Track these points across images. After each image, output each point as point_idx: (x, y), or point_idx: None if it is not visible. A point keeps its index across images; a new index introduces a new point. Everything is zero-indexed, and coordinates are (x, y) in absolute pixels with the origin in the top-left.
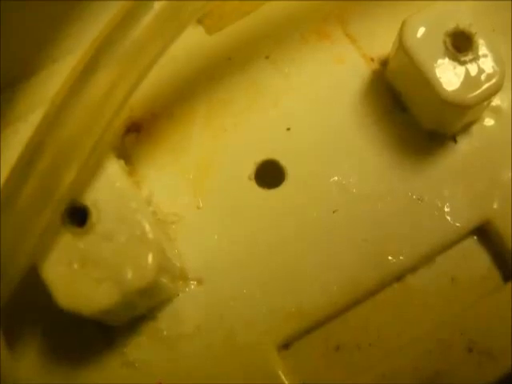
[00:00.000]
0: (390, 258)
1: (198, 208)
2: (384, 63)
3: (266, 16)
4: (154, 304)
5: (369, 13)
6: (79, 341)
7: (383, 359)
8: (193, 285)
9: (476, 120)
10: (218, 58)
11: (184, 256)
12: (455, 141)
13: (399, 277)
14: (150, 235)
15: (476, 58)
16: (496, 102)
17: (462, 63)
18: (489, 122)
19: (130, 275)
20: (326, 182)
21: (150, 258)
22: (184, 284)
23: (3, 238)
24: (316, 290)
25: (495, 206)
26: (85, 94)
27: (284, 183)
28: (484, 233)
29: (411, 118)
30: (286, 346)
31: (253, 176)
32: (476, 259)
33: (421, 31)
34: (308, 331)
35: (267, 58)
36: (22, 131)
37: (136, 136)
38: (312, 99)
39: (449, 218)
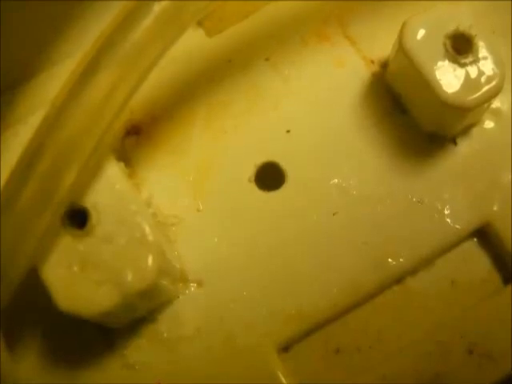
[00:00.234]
0: (390, 260)
1: (198, 210)
2: (384, 65)
3: (265, 18)
4: (154, 306)
5: (369, 15)
6: (79, 343)
7: (383, 362)
8: (193, 287)
9: (476, 122)
10: (218, 61)
11: (184, 258)
12: (455, 143)
13: (399, 279)
14: (150, 237)
15: (476, 61)
16: (496, 104)
17: (462, 65)
18: (489, 124)
19: (130, 277)
20: (325, 184)
21: (150, 260)
22: (184, 286)
23: (3, 239)
24: (316, 293)
25: (495, 209)
26: (85, 97)
27: (284, 185)
28: (484, 235)
29: (411, 120)
30: (285, 348)
31: (253, 178)
32: (476, 262)
33: (421, 33)
34: (308, 333)
35: (267, 60)
36: (22, 133)
37: (136, 138)
38: (312, 101)
39: (449, 220)
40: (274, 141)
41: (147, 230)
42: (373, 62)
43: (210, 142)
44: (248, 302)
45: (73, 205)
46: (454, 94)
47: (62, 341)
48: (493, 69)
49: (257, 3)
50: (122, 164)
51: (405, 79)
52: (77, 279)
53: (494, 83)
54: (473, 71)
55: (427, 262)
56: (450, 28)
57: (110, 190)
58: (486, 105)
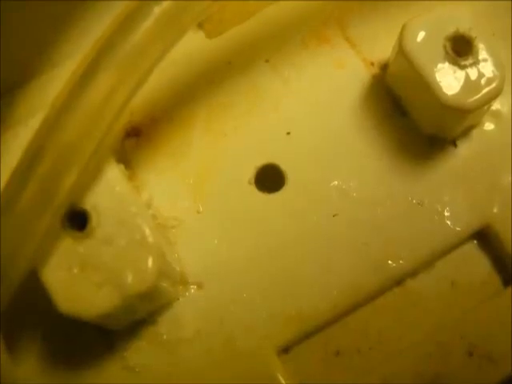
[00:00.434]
0: (390, 262)
1: (198, 212)
2: (384, 67)
3: (265, 20)
4: (154, 308)
5: (369, 17)
6: (79, 345)
7: (383, 363)
8: (193, 289)
9: (476, 124)
10: (218, 62)
11: (184, 260)
12: (455, 145)
13: (399, 281)
14: (150, 239)
15: (476, 63)
16: (496, 106)
17: (462, 67)
18: (489, 126)
19: (130, 279)
20: (326, 186)
21: (150, 262)
22: (184, 288)
23: (3, 241)
24: (316, 294)
25: (495, 211)
26: (85, 98)
27: (284, 187)
28: (484, 237)
29: (411, 122)
30: (285, 350)
31: (253, 180)
32: (476, 263)
33: (421, 35)
34: (308, 335)
35: (267, 61)
36: (22, 135)
37: (136, 140)
38: (312, 103)
39: (449, 222)
40: (274, 143)
41: (147, 232)
42: (373, 64)
43: (210, 144)
44: (248, 304)
45: (73, 207)
46: (454, 96)
47: (62, 343)
48: (493, 71)
49: (257, 5)
50: (121, 166)
51: (405, 81)
52: (77, 281)
53: (493, 85)
54: (473, 73)
55: (427, 263)
56: (450, 30)
57: (110, 192)
58: (485, 107)
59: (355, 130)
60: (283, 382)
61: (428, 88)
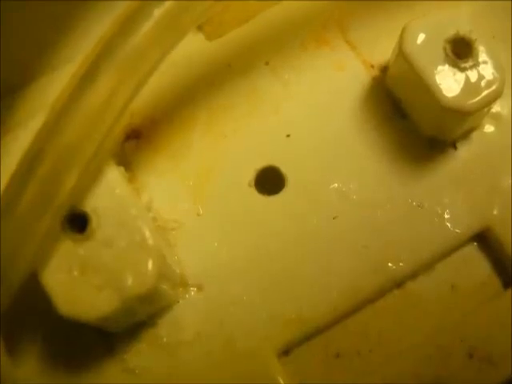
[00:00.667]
0: (390, 264)
1: (198, 214)
2: (384, 70)
3: (265, 23)
4: (154, 310)
5: (369, 19)
6: (79, 347)
7: (383, 365)
8: (193, 291)
9: (476, 127)
10: (218, 65)
11: (184, 262)
12: (455, 147)
13: (399, 283)
14: (150, 241)
15: (476, 65)
16: (496, 108)
17: (462, 70)
18: (489, 128)
19: (130, 281)
20: (325, 188)
21: (150, 265)
22: (184, 291)
23: (3, 243)
24: (316, 297)
25: (495, 213)
26: (85, 101)
27: (284, 190)
28: (484, 239)
29: (411, 124)
30: (285, 352)
31: (253, 183)
32: (476, 266)
33: (421, 37)
34: (308, 337)
35: (267, 64)
36: (22, 138)
37: (136, 142)
38: (312, 106)
39: (449, 224)
40: (274, 145)
41: (147, 234)
42: (373, 66)
43: (210, 146)
44: (248, 306)
45: (73, 209)
46: (454, 98)
47: (62, 345)
48: (493, 73)
49: (257, 8)
50: (122, 168)
51: (405, 83)
52: (77, 283)
53: (493, 87)
54: (473, 75)
55: (427, 266)
56: (450, 32)
57: (110, 195)
58: (485, 109)
59: (355, 132)
60: (283, 383)
61: (428, 90)
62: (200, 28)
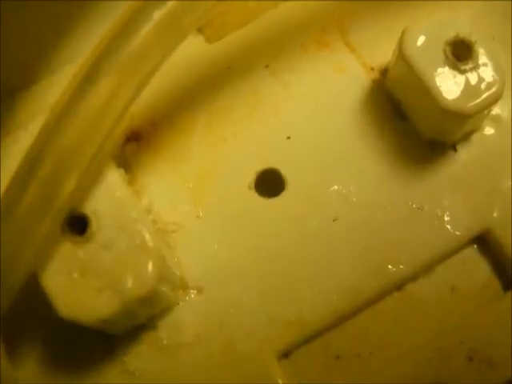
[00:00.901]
0: (390, 266)
1: (198, 217)
2: (384, 72)
3: (265, 25)
4: (154, 313)
5: (369, 22)
6: (79, 349)
7: (384, 368)
8: (193, 294)
9: (476, 129)
10: (218, 67)
11: (184, 265)
12: (455, 149)
13: (399, 285)
14: (150, 244)
15: (476, 67)
16: (496, 110)
17: (462, 72)
18: (489, 130)
19: (130, 284)
20: (326, 190)
21: (150, 267)
22: (184, 293)
23: (3, 246)
24: (316, 299)
25: (495, 215)
26: (85, 103)
27: (284, 192)
28: (484, 242)
29: (411, 126)
30: (285, 354)
31: (253, 185)
32: (476, 268)
33: (421, 40)
34: (308, 340)
35: (267, 66)
36: (22, 140)
37: (136, 145)
38: (312, 108)
39: (449, 226)
40: (274, 147)
41: (147, 236)
42: (373, 68)
43: (210, 149)
44: (248, 308)
45: (73, 211)
46: (454, 100)
47: (62, 347)
48: (493, 75)
49: (257, 10)
50: (122, 170)
51: (405, 86)
52: (77, 286)
53: (493, 90)
54: (473, 78)
55: (427, 268)
56: (450, 35)
57: (110, 197)
58: (485, 111)
59: (355, 134)
60: None
61: (428, 92)
62: (200, 30)
